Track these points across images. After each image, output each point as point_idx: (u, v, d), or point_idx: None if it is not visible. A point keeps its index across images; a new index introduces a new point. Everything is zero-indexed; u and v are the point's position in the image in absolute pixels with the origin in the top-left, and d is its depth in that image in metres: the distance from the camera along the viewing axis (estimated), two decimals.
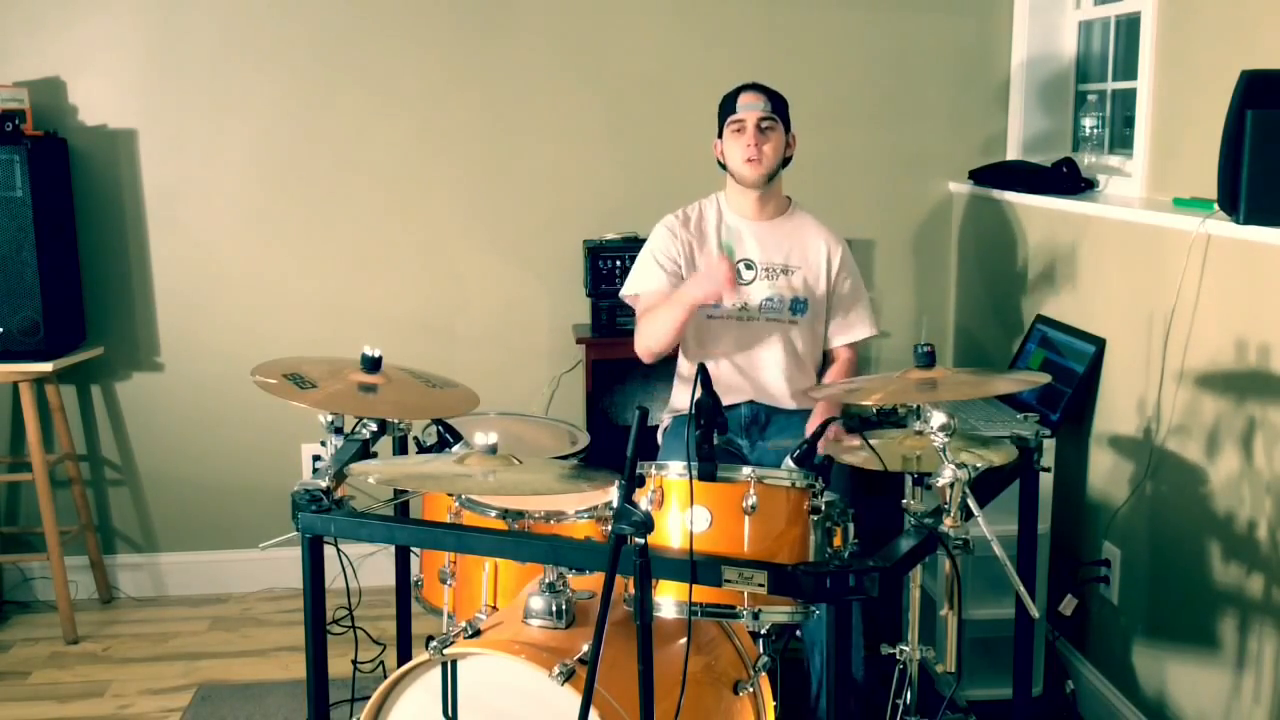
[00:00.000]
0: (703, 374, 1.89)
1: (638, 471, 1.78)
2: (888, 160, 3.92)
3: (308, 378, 2.27)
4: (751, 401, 2.93)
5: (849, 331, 3.00)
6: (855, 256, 3.08)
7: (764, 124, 2.86)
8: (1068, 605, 3.03)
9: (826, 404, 2.81)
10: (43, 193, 3.41)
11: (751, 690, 2.21)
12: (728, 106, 2.92)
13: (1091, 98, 3.54)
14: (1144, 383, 2.81)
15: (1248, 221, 2.34)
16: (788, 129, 2.93)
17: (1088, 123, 3.49)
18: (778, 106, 2.90)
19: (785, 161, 2.96)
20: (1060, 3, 3.69)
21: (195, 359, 3.81)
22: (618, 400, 3.63)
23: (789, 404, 2.93)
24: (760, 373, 2.93)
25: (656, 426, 3.08)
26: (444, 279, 3.85)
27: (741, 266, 2.93)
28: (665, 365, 3.45)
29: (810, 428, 2.70)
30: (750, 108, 2.86)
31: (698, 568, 1.83)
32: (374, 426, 2.37)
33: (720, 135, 2.94)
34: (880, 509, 2.40)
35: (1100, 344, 3.01)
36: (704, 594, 1.87)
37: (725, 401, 2.81)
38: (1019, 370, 3.21)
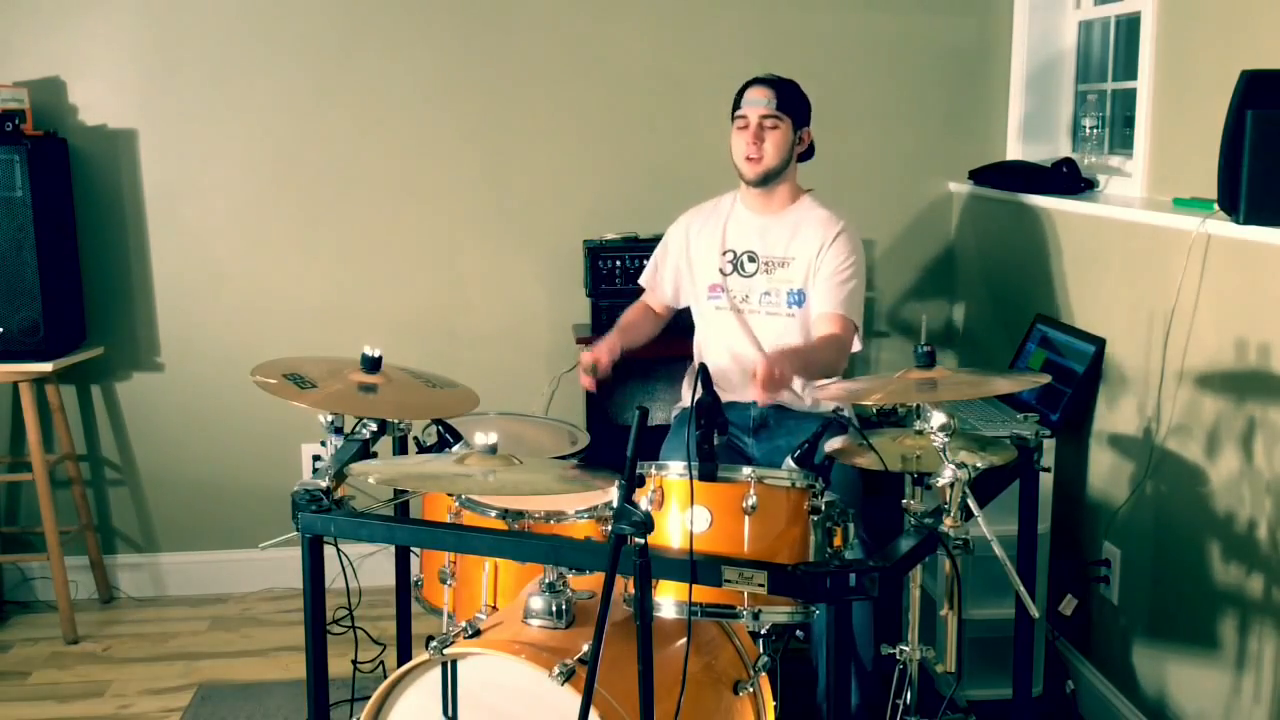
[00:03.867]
0: (703, 374, 1.89)
1: (638, 471, 1.77)
2: (888, 160, 3.92)
3: (308, 378, 2.27)
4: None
5: (816, 304, 2.83)
6: None
7: (767, 121, 2.79)
8: (1068, 605, 3.03)
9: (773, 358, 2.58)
10: (43, 193, 3.41)
11: (751, 690, 2.21)
12: (736, 100, 2.86)
13: (1091, 98, 3.54)
14: (1144, 383, 2.81)
15: (1248, 221, 2.34)
16: (799, 124, 2.84)
17: (1088, 123, 3.48)
18: (785, 102, 2.80)
19: (806, 155, 2.91)
20: (1060, 3, 3.68)
21: (195, 359, 3.81)
22: (618, 400, 3.63)
23: (796, 404, 2.88)
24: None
25: (657, 426, 3.06)
26: (444, 279, 3.85)
27: (745, 259, 2.90)
28: (665, 365, 3.46)
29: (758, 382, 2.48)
30: (754, 104, 2.80)
31: (698, 568, 1.83)
32: (374, 426, 2.37)
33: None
34: (880, 509, 2.40)
35: (1100, 344, 3.00)
36: (704, 594, 1.87)
37: (735, 399, 2.80)
38: (1019, 370, 3.21)
